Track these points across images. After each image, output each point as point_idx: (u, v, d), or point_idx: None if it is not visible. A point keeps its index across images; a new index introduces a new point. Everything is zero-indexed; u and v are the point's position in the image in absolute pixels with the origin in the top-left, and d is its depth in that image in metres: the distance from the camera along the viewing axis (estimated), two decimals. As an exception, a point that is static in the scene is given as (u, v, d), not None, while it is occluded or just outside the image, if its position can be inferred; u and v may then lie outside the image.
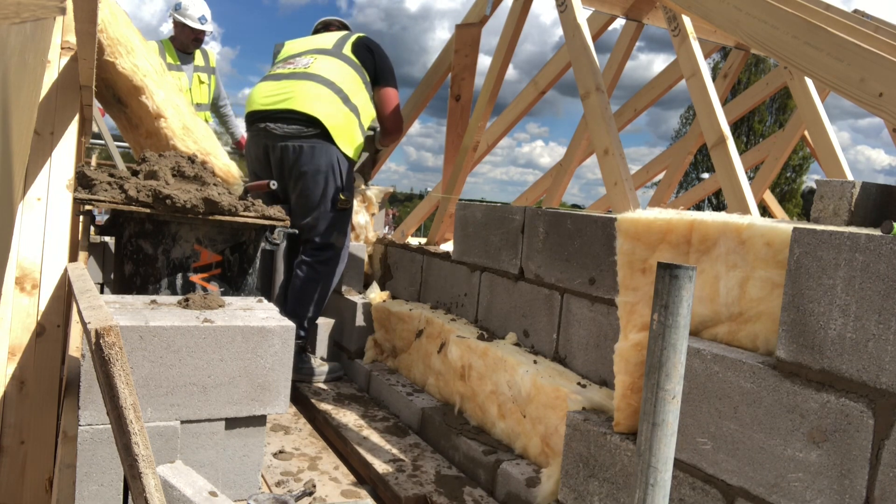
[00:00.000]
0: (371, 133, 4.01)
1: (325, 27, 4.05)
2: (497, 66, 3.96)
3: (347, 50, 3.63)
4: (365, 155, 4.15)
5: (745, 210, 2.72)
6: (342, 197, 3.50)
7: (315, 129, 3.37)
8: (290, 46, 3.80)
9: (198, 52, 5.46)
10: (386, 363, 3.58)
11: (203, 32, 5.33)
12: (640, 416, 1.12)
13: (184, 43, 5.31)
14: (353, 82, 3.54)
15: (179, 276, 2.61)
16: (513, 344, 2.75)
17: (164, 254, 2.58)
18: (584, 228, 2.44)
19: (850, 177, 3.45)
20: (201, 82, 5.51)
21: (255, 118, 3.50)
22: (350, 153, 3.50)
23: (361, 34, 3.76)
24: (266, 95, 3.50)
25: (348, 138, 3.47)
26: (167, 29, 5.69)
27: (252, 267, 2.81)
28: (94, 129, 6.02)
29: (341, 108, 3.45)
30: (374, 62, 3.67)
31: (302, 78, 3.47)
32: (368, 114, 3.65)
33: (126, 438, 1.18)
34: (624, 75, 4.52)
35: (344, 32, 3.81)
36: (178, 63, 5.29)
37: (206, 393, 1.99)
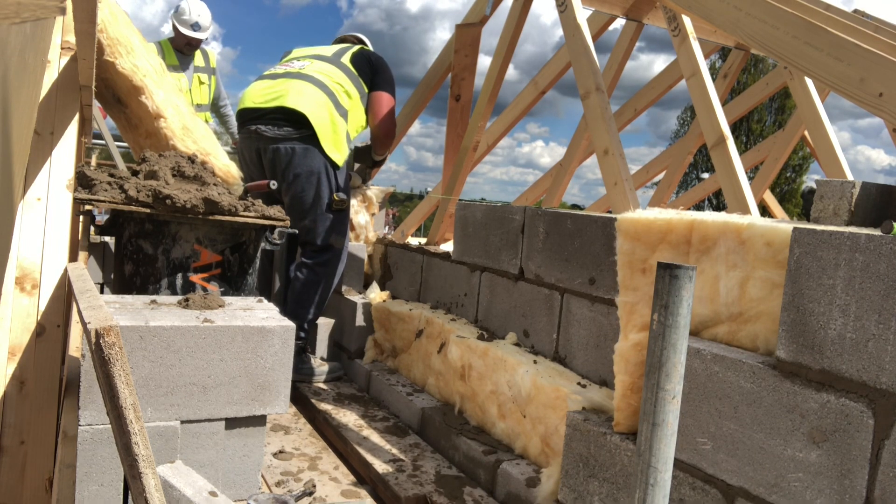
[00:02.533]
0: (368, 145, 3.99)
1: (341, 41, 4.04)
2: (497, 66, 3.96)
3: (346, 59, 3.62)
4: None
5: (745, 210, 2.72)
6: (337, 198, 3.50)
7: (306, 130, 3.36)
8: (294, 52, 3.83)
9: (198, 53, 5.46)
10: (386, 363, 3.58)
11: (196, 40, 5.33)
12: (640, 416, 1.12)
13: (180, 44, 5.35)
14: (346, 90, 3.52)
15: (179, 276, 2.61)
16: (513, 344, 2.75)
17: (164, 254, 2.58)
18: (584, 228, 2.44)
19: (850, 177, 3.45)
20: (201, 83, 5.51)
21: (247, 118, 3.50)
22: (335, 158, 3.44)
23: (365, 47, 3.75)
24: (258, 93, 3.50)
25: (334, 142, 3.44)
26: (168, 29, 5.71)
27: (252, 267, 2.81)
28: (94, 129, 6.03)
29: (331, 111, 3.43)
30: (372, 73, 3.65)
31: (295, 77, 3.47)
32: (357, 124, 3.61)
33: (126, 438, 1.18)
34: (624, 75, 4.53)
35: (348, 44, 3.80)
36: (178, 64, 5.29)
37: (206, 393, 1.99)
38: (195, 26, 5.29)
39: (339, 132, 3.47)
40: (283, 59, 3.83)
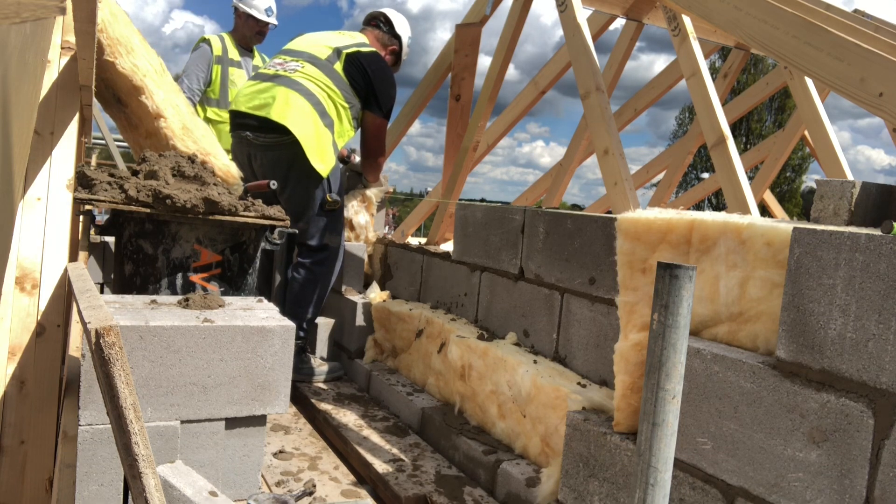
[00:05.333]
0: (356, 167, 4.01)
1: (369, 20, 3.91)
2: (497, 66, 3.96)
3: (338, 66, 3.52)
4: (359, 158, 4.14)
5: (745, 210, 2.72)
6: (330, 199, 3.50)
7: (292, 137, 3.34)
8: (298, 40, 3.74)
9: (256, 53, 5.22)
10: (386, 363, 3.58)
11: (267, 25, 4.98)
12: (640, 415, 1.12)
13: (246, 36, 4.94)
14: (333, 99, 3.47)
15: (179, 276, 2.61)
16: (513, 344, 2.75)
17: (164, 254, 2.58)
18: (584, 228, 2.44)
19: (850, 177, 3.45)
20: None
21: (237, 120, 3.51)
22: (320, 168, 3.40)
23: (362, 49, 3.58)
24: (249, 96, 3.49)
25: (318, 153, 3.41)
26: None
27: (252, 267, 2.81)
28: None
29: (317, 122, 3.40)
30: (366, 86, 3.54)
31: (284, 84, 3.43)
32: (344, 133, 3.57)
33: (126, 438, 1.18)
34: (624, 75, 4.53)
35: (347, 42, 3.64)
36: (239, 60, 4.93)
37: (206, 393, 1.99)
38: (268, 11, 4.93)
39: (323, 143, 3.42)
40: (290, 42, 3.76)
